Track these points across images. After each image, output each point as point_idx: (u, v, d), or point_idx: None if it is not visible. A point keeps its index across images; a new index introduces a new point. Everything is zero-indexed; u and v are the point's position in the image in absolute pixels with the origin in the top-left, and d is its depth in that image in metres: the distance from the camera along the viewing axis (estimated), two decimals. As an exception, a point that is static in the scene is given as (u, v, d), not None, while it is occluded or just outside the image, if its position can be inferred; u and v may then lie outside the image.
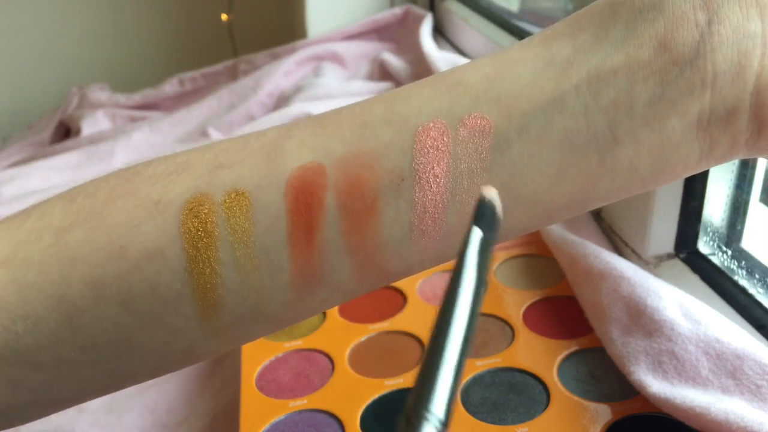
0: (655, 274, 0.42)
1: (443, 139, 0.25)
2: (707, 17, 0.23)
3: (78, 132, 0.99)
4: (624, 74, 0.24)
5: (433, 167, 0.25)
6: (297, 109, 0.80)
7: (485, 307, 0.46)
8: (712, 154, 0.25)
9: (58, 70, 1.44)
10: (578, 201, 0.26)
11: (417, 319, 0.46)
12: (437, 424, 0.17)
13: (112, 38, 1.47)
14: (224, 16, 1.36)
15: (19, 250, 0.27)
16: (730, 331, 0.35)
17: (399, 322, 0.46)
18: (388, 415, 0.39)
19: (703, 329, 0.35)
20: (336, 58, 1.00)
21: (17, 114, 1.38)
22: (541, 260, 0.50)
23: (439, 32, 1.01)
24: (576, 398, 0.37)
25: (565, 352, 0.41)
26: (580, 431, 0.35)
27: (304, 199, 0.25)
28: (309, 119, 0.27)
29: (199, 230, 0.26)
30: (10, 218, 0.28)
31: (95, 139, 0.93)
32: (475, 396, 0.39)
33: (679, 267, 0.44)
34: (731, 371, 0.33)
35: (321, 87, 0.88)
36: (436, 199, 0.25)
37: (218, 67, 1.09)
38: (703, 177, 0.43)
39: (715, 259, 0.44)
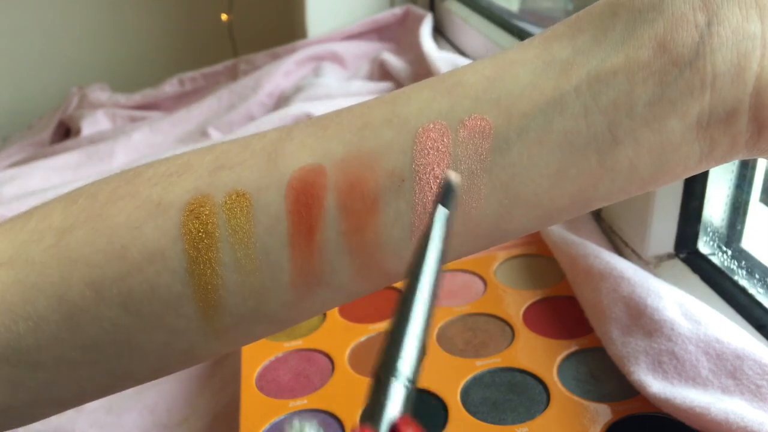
0: (655, 274, 0.42)
1: (443, 140, 0.25)
2: (707, 18, 0.23)
3: (78, 132, 0.99)
4: (624, 75, 0.24)
5: (434, 168, 0.25)
6: (297, 109, 0.80)
7: (485, 307, 0.46)
8: (712, 154, 0.25)
9: (58, 70, 1.44)
10: (578, 202, 0.26)
11: (417, 319, 0.46)
12: (405, 382, 0.18)
13: (112, 38, 1.47)
14: (224, 16, 1.36)
15: (21, 250, 0.27)
16: (730, 331, 0.35)
17: (399, 322, 0.46)
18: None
19: (703, 329, 0.36)
20: (336, 58, 1.00)
21: (17, 114, 1.38)
22: (541, 260, 0.50)
23: (439, 32, 1.01)
24: (576, 398, 0.37)
25: (565, 352, 0.41)
26: (580, 431, 0.35)
27: (304, 200, 0.25)
28: (310, 121, 0.27)
29: (199, 231, 0.26)
30: (13, 219, 0.29)
31: (95, 139, 0.93)
32: (475, 396, 0.39)
33: (679, 267, 0.44)
34: (731, 371, 0.33)
35: (321, 87, 0.88)
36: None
37: (218, 67, 1.09)
38: (703, 177, 0.43)
39: (715, 259, 0.44)
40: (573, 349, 0.41)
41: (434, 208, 0.22)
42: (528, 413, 0.37)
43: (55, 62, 1.45)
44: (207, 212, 0.26)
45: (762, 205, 0.42)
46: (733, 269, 0.42)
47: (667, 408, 0.34)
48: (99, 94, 1.12)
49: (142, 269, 0.26)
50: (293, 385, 0.42)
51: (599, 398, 0.37)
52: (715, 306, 0.39)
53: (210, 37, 1.43)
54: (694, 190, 0.43)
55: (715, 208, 0.44)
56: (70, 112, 1.09)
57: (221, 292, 0.26)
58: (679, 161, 0.25)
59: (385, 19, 1.04)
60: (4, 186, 0.79)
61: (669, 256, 0.45)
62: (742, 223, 0.43)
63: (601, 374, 0.39)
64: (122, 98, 1.08)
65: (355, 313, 0.47)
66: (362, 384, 0.41)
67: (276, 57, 1.03)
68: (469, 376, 0.40)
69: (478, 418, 0.37)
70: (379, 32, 1.05)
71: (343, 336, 0.45)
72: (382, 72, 0.93)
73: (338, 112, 0.27)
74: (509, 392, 0.39)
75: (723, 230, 0.44)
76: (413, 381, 0.19)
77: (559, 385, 0.38)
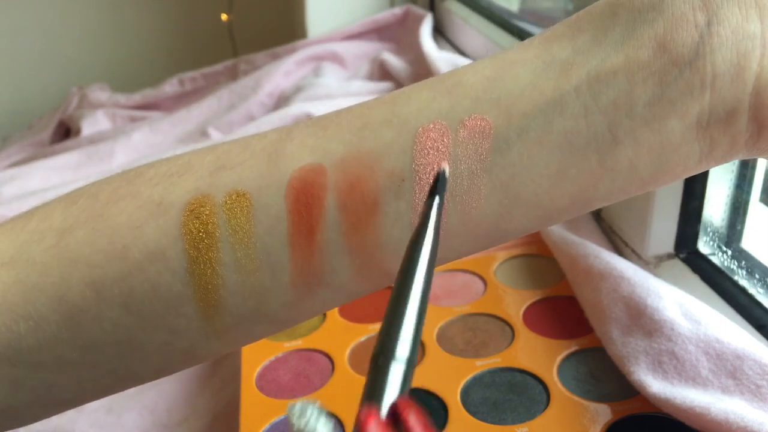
0: (655, 274, 0.42)
1: (443, 140, 0.25)
2: (706, 18, 0.23)
3: (78, 132, 0.99)
4: (623, 75, 0.24)
5: (434, 168, 0.25)
6: (297, 109, 0.80)
7: (485, 307, 0.46)
8: (712, 154, 0.25)
9: (58, 70, 1.44)
10: (578, 202, 0.26)
11: (417, 319, 0.46)
12: (403, 363, 0.19)
13: (112, 38, 1.47)
14: (224, 16, 1.36)
15: (22, 250, 0.27)
16: (730, 331, 0.35)
17: (399, 322, 0.46)
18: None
19: (703, 329, 0.36)
20: (336, 58, 1.00)
21: (17, 114, 1.38)
22: (541, 260, 0.50)
23: (439, 32, 1.01)
24: (576, 398, 0.37)
25: (565, 352, 0.41)
26: (580, 431, 0.35)
27: (304, 199, 0.25)
28: (310, 121, 0.28)
29: (200, 231, 0.26)
30: (15, 219, 0.29)
31: (95, 139, 0.93)
32: (475, 396, 0.39)
33: (679, 267, 0.44)
34: (731, 371, 0.33)
35: (321, 87, 0.88)
36: None
37: (218, 67, 1.09)
38: (703, 177, 0.43)
39: (715, 259, 0.44)
40: (573, 349, 0.41)
41: (430, 197, 0.23)
42: (528, 413, 0.37)
43: (55, 62, 1.45)
44: (207, 212, 0.26)
45: (762, 205, 0.42)
46: (733, 269, 0.42)
47: (667, 408, 0.34)
48: (99, 94, 1.12)
49: (142, 269, 0.26)
50: (293, 385, 0.42)
51: (599, 398, 0.37)
52: (715, 306, 0.39)
53: (210, 37, 1.43)
54: (694, 190, 0.43)
55: (715, 208, 0.44)
56: (70, 112, 1.09)
57: (221, 292, 0.26)
58: (679, 161, 0.25)
59: (385, 19, 1.04)
60: (4, 186, 0.79)
61: (669, 256, 0.45)
62: (742, 223, 0.43)
63: (601, 374, 0.39)
64: (122, 98, 1.08)
65: (355, 313, 0.47)
66: (362, 384, 0.41)
67: (276, 57, 1.03)
68: (469, 376, 0.40)
69: (478, 418, 0.37)
70: (379, 32, 1.05)
71: (343, 336, 0.45)
72: (382, 72, 0.93)
73: (338, 113, 0.27)
74: (509, 392, 0.39)
75: (723, 230, 0.44)
76: (412, 361, 0.19)
77: (559, 385, 0.38)
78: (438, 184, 0.24)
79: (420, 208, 0.25)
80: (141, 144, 0.88)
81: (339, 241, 0.26)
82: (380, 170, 0.25)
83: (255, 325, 0.28)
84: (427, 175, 0.25)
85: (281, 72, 0.95)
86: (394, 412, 0.18)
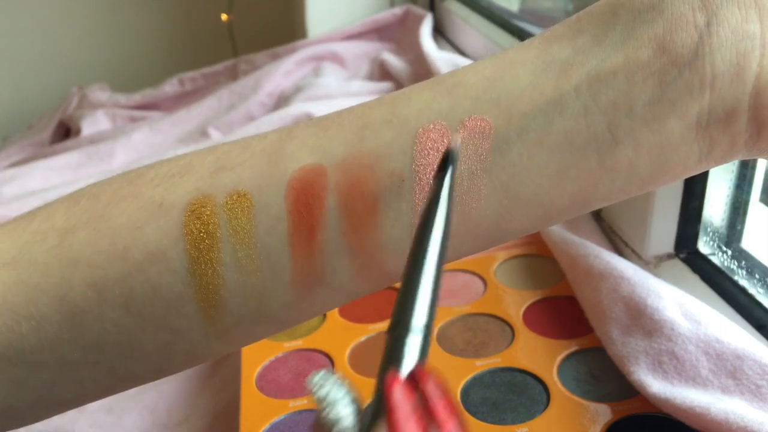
0: (655, 274, 0.42)
1: (443, 141, 0.25)
2: (706, 18, 0.23)
3: (78, 132, 0.99)
4: (623, 75, 0.24)
5: (434, 168, 0.25)
6: (297, 109, 0.80)
7: (485, 307, 0.46)
8: (712, 154, 0.25)
9: (58, 70, 1.44)
10: (578, 202, 0.26)
11: (417, 319, 0.46)
12: (420, 333, 0.19)
13: (112, 38, 1.47)
14: (224, 16, 1.36)
15: (24, 251, 0.27)
16: (730, 331, 0.35)
17: (399, 322, 0.46)
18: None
19: (703, 329, 0.36)
20: (336, 58, 1.00)
21: (17, 114, 1.38)
22: (541, 260, 0.50)
23: (439, 32, 1.01)
24: (576, 398, 0.37)
25: (565, 352, 0.41)
26: (580, 431, 0.35)
27: (305, 200, 0.26)
28: (310, 121, 0.28)
29: (201, 232, 0.26)
30: (16, 219, 0.29)
31: (95, 139, 0.93)
32: (475, 396, 0.39)
33: (679, 267, 0.45)
34: (731, 371, 0.33)
35: (321, 87, 0.88)
36: None
37: (218, 67, 1.09)
38: (703, 177, 0.43)
39: (715, 259, 0.44)
40: (573, 349, 0.41)
41: (445, 170, 0.22)
42: (528, 413, 0.37)
43: (55, 62, 1.45)
44: (208, 213, 0.26)
45: (762, 205, 0.42)
46: (733, 269, 0.42)
47: (667, 408, 0.34)
48: (99, 94, 1.12)
49: (143, 270, 0.26)
50: (293, 385, 0.42)
51: (599, 398, 0.37)
52: (715, 306, 0.39)
53: (210, 37, 1.43)
54: (694, 190, 0.43)
55: (715, 208, 0.44)
56: (70, 112, 1.09)
57: (222, 293, 0.26)
58: (679, 161, 0.25)
59: (385, 19, 1.04)
60: (4, 186, 0.80)
61: (669, 256, 0.45)
62: (742, 223, 0.43)
63: (601, 374, 0.39)
64: (122, 98, 1.08)
65: (355, 313, 0.47)
66: (363, 384, 0.41)
67: (276, 57, 1.03)
68: (469, 376, 0.40)
69: (478, 418, 0.37)
70: (379, 32, 1.05)
71: (343, 336, 0.45)
72: (382, 72, 0.93)
73: (339, 113, 0.27)
74: (509, 392, 0.39)
75: (723, 230, 0.44)
76: (428, 328, 0.20)
77: (559, 385, 0.38)
78: (450, 157, 0.23)
79: (419, 208, 0.25)
80: (141, 144, 0.88)
81: (339, 241, 0.26)
82: (380, 170, 0.25)
83: (256, 326, 0.28)
84: (428, 176, 0.25)
85: (281, 72, 0.95)
86: (413, 379, 0.19)
